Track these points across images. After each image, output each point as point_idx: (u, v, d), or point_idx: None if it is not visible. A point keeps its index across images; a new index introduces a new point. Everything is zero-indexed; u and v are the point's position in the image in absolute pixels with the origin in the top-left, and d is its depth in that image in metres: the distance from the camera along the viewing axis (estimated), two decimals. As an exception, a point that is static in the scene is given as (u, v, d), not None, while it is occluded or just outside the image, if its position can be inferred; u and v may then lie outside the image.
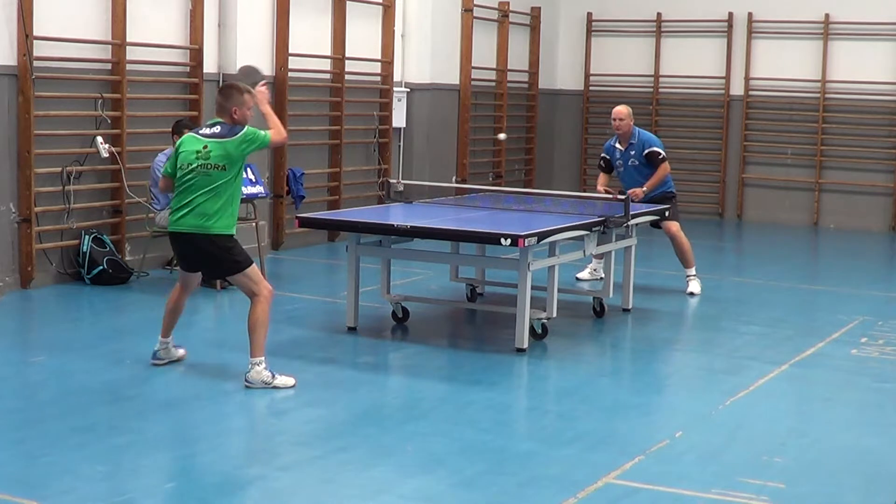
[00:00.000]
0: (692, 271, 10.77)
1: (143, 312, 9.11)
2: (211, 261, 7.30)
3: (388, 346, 8.60)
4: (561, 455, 5.99)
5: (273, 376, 7.11)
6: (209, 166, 7.14)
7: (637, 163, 10.67)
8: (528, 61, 17.13)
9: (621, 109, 10.75)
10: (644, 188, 10.52)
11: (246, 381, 7.12)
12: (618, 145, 10.78)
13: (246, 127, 7.23)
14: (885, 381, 7.81)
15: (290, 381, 7.16)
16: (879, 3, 16.03)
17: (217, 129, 7.24)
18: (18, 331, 8.94)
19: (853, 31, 16.13)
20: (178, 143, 7.43)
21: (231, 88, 7.35)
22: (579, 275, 11.14)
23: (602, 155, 11.03)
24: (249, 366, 7.13)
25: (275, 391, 7.05)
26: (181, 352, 7.61)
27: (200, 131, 7.31)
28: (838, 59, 16.25)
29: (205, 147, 7.16)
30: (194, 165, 7.15)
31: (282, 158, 12.28)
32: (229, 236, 7.22)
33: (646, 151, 10.64)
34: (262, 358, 7.13)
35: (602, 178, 10.96)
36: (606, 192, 10.41)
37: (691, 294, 10.63)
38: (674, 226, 10.60)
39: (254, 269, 7.23)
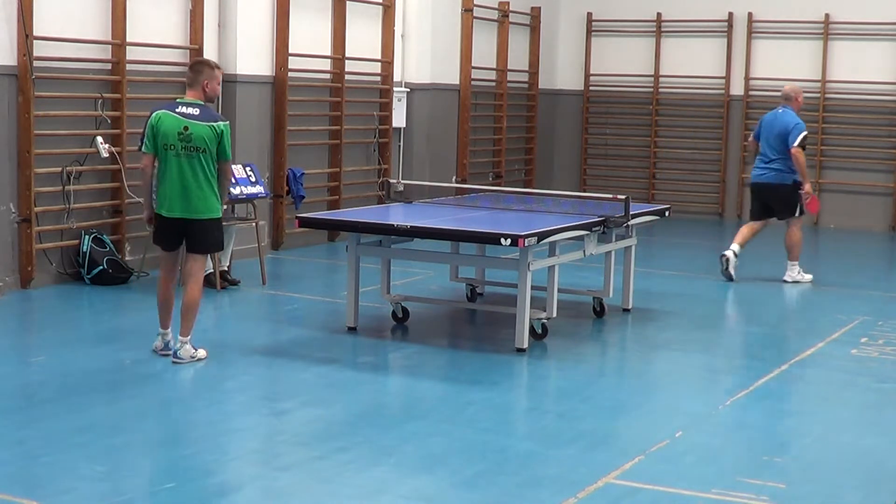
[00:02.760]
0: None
1: (143, 312, 9.07)
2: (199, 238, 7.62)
3: (388, 346, 8.60)
4: (561, 455, 5.99)
5: (195, 349, 7.52)
6: (192, 148, 7.33)
7: None
8: (528, 61, 17.12)
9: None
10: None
11: (176, 357, 7.46)
12: None
13: (226, 124, 7.43)
14: (885, 381, 7.81)
15: (203, 352, 7.58)
16: (879, 3, 16.03)
17: (196, 110, 7.37)
18: (18, 331, 8.94)
19: (853, 31, 16.13)
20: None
21: (201, 64, 7.58)
22: (790, 278, 11.42)
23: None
24: (179, 344, 7.48)
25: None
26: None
27: (177, 110, 7.38)
28: (838, 59, 16.24)
29: (185, 128, 7.32)
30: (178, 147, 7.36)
31: (282, 158, 12.28)
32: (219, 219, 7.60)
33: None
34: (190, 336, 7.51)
35: None
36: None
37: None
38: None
39: None
